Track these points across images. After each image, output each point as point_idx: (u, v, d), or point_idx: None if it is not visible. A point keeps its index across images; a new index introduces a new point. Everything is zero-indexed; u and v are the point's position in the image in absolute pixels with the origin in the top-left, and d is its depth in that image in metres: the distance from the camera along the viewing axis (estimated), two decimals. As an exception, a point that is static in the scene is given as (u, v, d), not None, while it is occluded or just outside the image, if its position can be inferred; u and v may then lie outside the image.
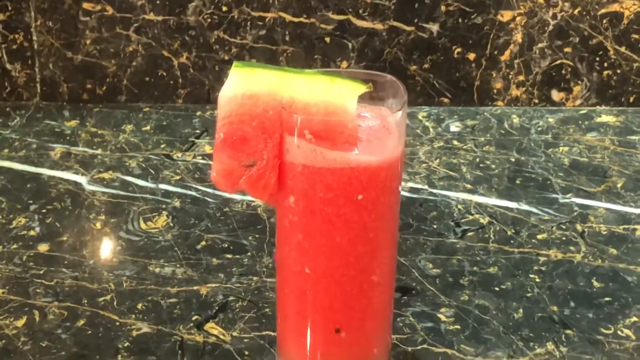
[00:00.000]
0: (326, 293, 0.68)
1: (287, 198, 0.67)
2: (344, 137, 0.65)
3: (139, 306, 0.84)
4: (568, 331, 0.83)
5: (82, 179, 1.05)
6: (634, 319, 0.84)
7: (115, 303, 0.85)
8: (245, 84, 0.64)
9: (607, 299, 0.87)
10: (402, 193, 1.03)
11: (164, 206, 1.00)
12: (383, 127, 0.68)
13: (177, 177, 1.06)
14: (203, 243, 0.94)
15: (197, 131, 1.16)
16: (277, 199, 0.68)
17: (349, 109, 0.64)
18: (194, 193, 1.02)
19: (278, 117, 0.65)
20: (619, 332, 0.83)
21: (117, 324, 0.82)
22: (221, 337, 0.81)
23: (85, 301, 0.85)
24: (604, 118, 1.20)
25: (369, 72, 0.69)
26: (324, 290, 0.68)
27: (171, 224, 0.97)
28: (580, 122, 1.19)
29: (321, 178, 0.65)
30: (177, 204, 1.01)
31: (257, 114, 0.65)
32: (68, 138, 1.14)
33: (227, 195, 1.02)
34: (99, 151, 1.11)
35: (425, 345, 0.81)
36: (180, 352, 0.79)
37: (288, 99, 0.65)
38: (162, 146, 1.12)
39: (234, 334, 0.81)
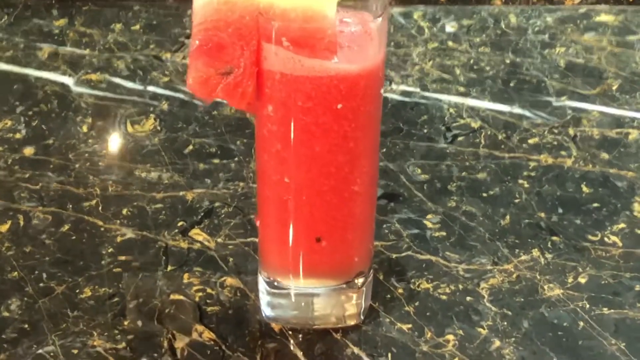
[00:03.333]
0: (306, 202, 0.68)
1: (265, 107, 0.65)
2: (323, 44, 0.63)
3: (124, 211, 0.84)
4: (554, 238, 0.82)
5: (69, 81, 1.03)
6: (622, 225, 0.84)
7: (100, 208, 0.84)
8: (220, -11, 0.63)
9: (595, 204, 0.86)
10: (394, 97, 1.02)
11: (151, 109, 0.99)
12: (364, 32, 0.66)
13: (166, 79, 1.04)
14: (190, 147, 0.93)
15: (187, 31, 1.14)
16: (255, 107, 0.66)
17: (328, 15, 0.63)
18: (182, 96, 1.01)
19: (255, 23, 0.63)
20: (606, 239, 0.82)
21: (102, 229, 0.82)
22: (206, 243, 0.81)
23: (70, 206, 0.85)
24: (603, 17, 1.18)
25: (351, -24, 0.67)
26: (304, 199, 0.68)
27: (158, 128, 0.96)
28: (578, 21, 1.17)
29: (299, 86, 0.64)
30: (165, 106, 0.99)
31: (234, 20, 0.63)
32: (56, 37, 1.12)
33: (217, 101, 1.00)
34: (87, 51, 1.09)
35: (409, 252, 0.80)
36: (164, 258, 0.79)
37: (265, 4, 0.63)
38: (152, 46, 1.10)
39: (219, 240, 0.81)
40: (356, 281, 0.72)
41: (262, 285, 0.73)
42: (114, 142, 0.93)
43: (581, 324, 0.73)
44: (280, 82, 0.64)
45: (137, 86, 1.03)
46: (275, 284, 0.72)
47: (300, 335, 0.72)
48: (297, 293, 0.72)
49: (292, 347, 0.71)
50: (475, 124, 0.97)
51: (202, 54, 0.64)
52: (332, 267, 0.71)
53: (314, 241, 0.69)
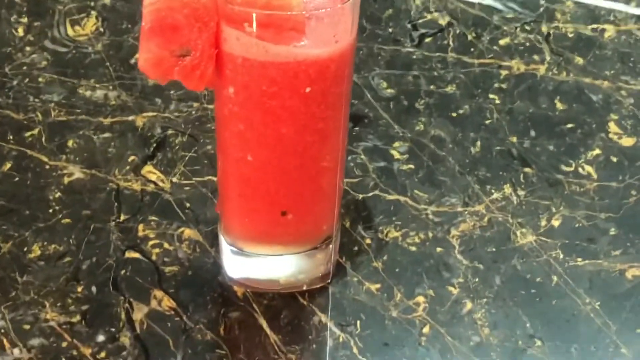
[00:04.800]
0: (271, 179, 0.63)
1: (226, 87, 0.59)
2: (290, 24, 0.56)
3: (70, 143, 0.78)
4: (527, 169, 0.78)
5: (-1, -35, 0.94)
6: (596, 151, 0.80)
7: (43, 139, 0.78)
8: (173, -32, 0.55)
9: (569, 125, 0.82)
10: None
11: (92, 4, 0.91)
12: (336, 5, 0.59)
13: (106, -38, 0.95)
14: (137, 56, 0.85)
15: None
16: (214, 85, 0.60)
17: (296, -8, 0.56)
18: (125, -15, 0.93)
19: (213, 3, 0.56)
20: (580, 170, 0.79)
21: (47, 167, 0.76)
22: (160, 184, 0.76)
23: (11, 137, 0.79)
24: None
25: None
26: (268, 176, 0.63)
27: (101, 29, 0.88)
28: None
29: (264, 72, 0.57)
30: (107, 0, 0.91)
31: (189, 1, 0.56)
32: None
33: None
34: None
35: (376, 192, 0.76)
36: (116, 204, 0.74)
37: (224, -16, 0.55)
38: None
39: (174, 179, 0.76)
40: (323, 246, 0.68)
41: (224, 247, 0.69)
42: (54, 50, 0.85)
43: (555, 278, 0.71)
44: (242, 66, 0.57)
45: (74, -28, 0.94)
46: (238, 248, 0.68)
47: (265, 302, 0.69)
48: (262, 257, 0.68)
49: (256, 316, 0.68)
50: (443, 20, 0.91)
51: (154, 35, 0.57)
52: (298, 237, 0.67)
53: (279, 215, 0.65)
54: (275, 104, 0.58)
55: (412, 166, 0.78)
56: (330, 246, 0.69)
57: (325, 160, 0.63)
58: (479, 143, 0.80)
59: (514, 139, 0.80)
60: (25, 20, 0.88)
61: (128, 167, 0.76)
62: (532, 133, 0.81)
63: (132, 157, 0.77)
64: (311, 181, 0.63)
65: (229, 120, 0.61)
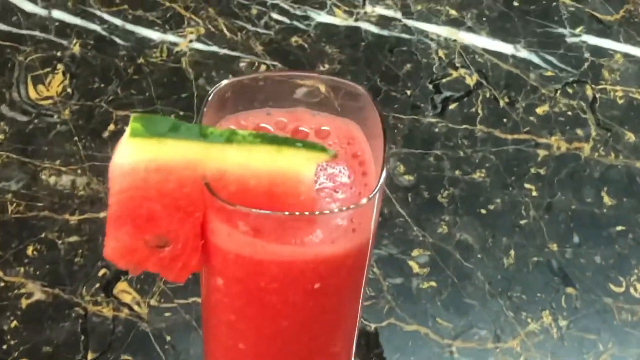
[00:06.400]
0: (269, 366, 0.51)
1: (214, 277, 0.47)
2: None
3: (30, 251, 0.66)
4: (569, 289, 0.66)
5: (-50, -1, 0.80)
6: (651, 264, 0.68)
7: (-2, 244, 0.66)
8: (148, 155, 0.42)
9: (619, 228, 0.70)
10: (369, 28, 0.80)
11: (59, 54, 0.77)
12: (358, 194, 0.47)
13: (76, -4, 0.81)
14: (111, 127, 0.73)
15: None
16: (199, 270, 0.48)
17: (306, 178, 0.43)
18: (97, 28, 0.79)
19: (199, 192, 0.43)
20: (632, 290, 0.67)
21: (2, 284, 0.64)
22: (135, 308, 0.64)
23: (-41, 241, 0.66)
24: None
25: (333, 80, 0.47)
26: (266, 363, 0.51)
27: (69, 90, 0.75)
28: None
29: (262, 269, 0.45)
30: (77, 49, 0.77)
31: (169, 190, 0.43)
32: None
33: (141, 34, 0.78)
34: (-28, -60, 0.84)
35: (392, 320, 0.64)
36: (83, 337, 0.62)
37: (214, 172, 0.43)
38: None
39: (152, 302, 0.64)
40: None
41: (210, 410, 0.57)
42: (12, 119, 0.72)
43: None
44: (235, 262, 0.45)
45: (38, 10, 0.79)
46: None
47: None
48: None
49: None
50: (470, 79, 0.78)
51: (124, 224, 0.44)
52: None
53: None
54: (275, 299, 0.46)
55: (433, 284, 0.66)
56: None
57: (336, 346, 0.51)
58: (512, 252, 0.68)
59: (554, 247, 0.68)
60: (-21, 75, 0.75)
61: (98, 285, 0.64)
62: (576, 239, 0.69)
63: (102, 271, 0.65)
64: (318, 366, 0.52)
65: (217, 309, 0.48)
